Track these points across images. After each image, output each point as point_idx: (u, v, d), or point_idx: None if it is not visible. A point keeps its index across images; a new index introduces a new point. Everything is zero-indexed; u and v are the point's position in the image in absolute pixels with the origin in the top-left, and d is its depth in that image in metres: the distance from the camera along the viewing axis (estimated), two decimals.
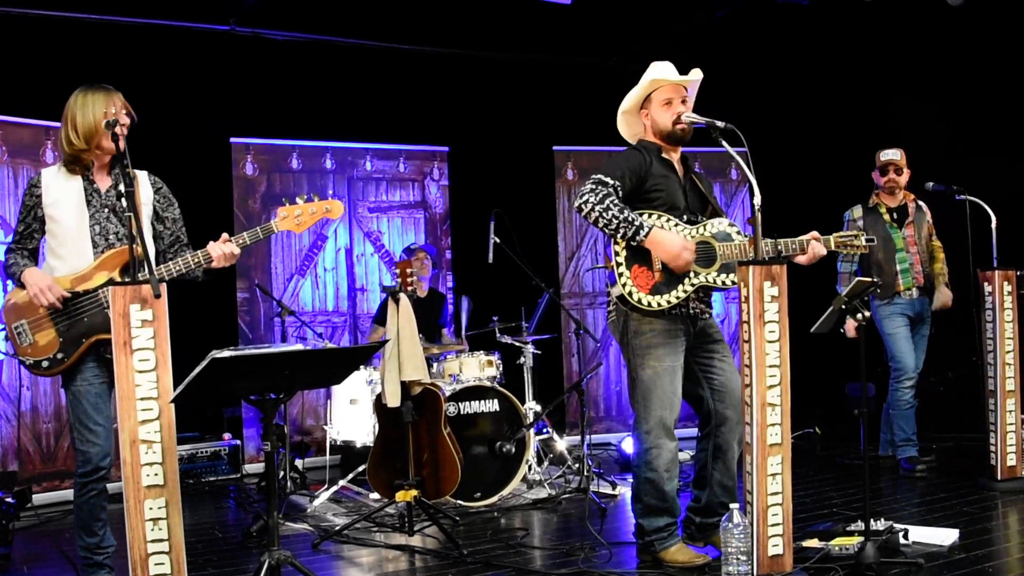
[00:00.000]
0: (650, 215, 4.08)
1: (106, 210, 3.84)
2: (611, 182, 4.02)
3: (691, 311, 4.17)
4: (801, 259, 4.16)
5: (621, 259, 4.06)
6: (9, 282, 3.94)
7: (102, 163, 3.88)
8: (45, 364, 3.76)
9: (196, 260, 3.80)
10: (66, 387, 3.81)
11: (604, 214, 3.95)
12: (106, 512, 3.82)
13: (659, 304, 4.06)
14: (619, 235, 3.99)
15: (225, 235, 3.87)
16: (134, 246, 3.48)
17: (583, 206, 3.99)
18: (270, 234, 3.95)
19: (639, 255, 4.06)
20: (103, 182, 3.88)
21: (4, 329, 3.83)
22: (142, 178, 4.00)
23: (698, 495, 4.35)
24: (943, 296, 6.05)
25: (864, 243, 4.20)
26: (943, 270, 6.10)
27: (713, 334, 4.30)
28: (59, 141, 3.86)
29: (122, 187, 3.55)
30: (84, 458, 3.71)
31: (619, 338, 4.24)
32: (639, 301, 4.05)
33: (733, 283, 4.08)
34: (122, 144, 3.69)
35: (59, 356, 3.75)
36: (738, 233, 4.15)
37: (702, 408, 4.30)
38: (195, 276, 3.89)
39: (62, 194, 3.81)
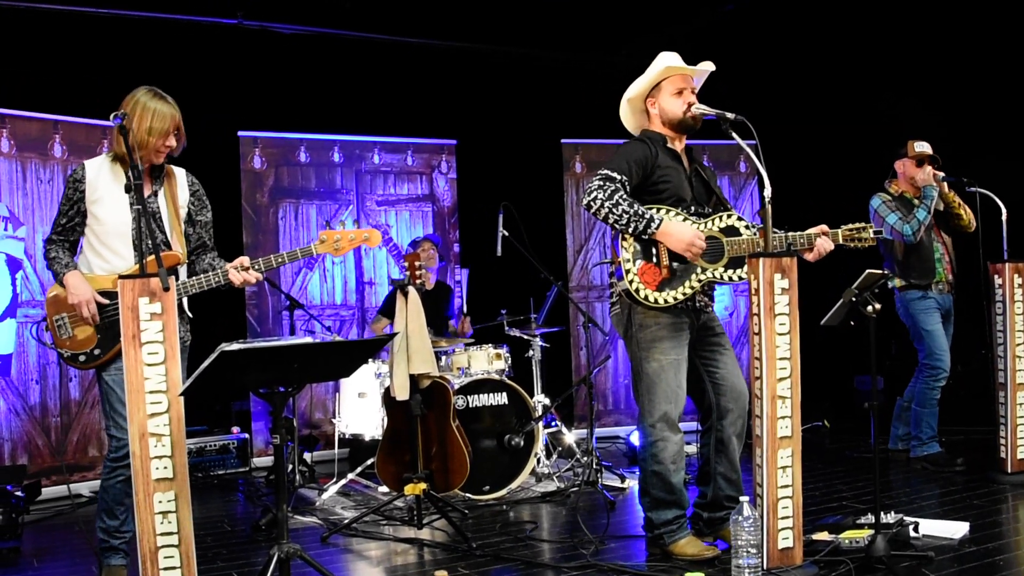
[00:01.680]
0: (658, 210, 4.06)
1: (146, 217, 3.84)
2: (618, 177, 4.00)
3: (696, 304, 4.16)
4: (808, 256, 4.11)
5: (629, 255, 4.05)
6: (48, 273, 4.01)
7: (145, 169, 3.89)
8: (82, 358, 3.85)
9: (217, 280, 3.87)
10: (99, 376, 3.90)
11: (614, 210, 3.94)
12: (130, 499, 3.83)
13: (666, 301, 4.04)
14: (629, 230, 3.97)
15: (246, 260, 3.90)
16: (144, 239, 3.51)
17: (592, 203, 3.97)
18: (295, 259, 3.99)
19: (647, 252, 4.05)
20: (146, 187, 3.91)
21: (45, 319, 3.93)
22: (180, 177, 4.07)
23: (704, 491, 4.34)
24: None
25: (872, 235, 4.16)
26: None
27: (715, 327, 4.29)
28: (112, 136, 3.89)
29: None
30: (118, 444, 3.79)
31: (623, 332, 4.22)
32: (645, 298, 4.03)
33: (740, 278, 4.06)
34: (131, 139, 3.70)
35: (95, 352, 3.85)
36: (746, 227, 4.13)
37: (703, 402, 4.29)
38: (215, 286, 3.96)
39: (107, 194, 3.85)
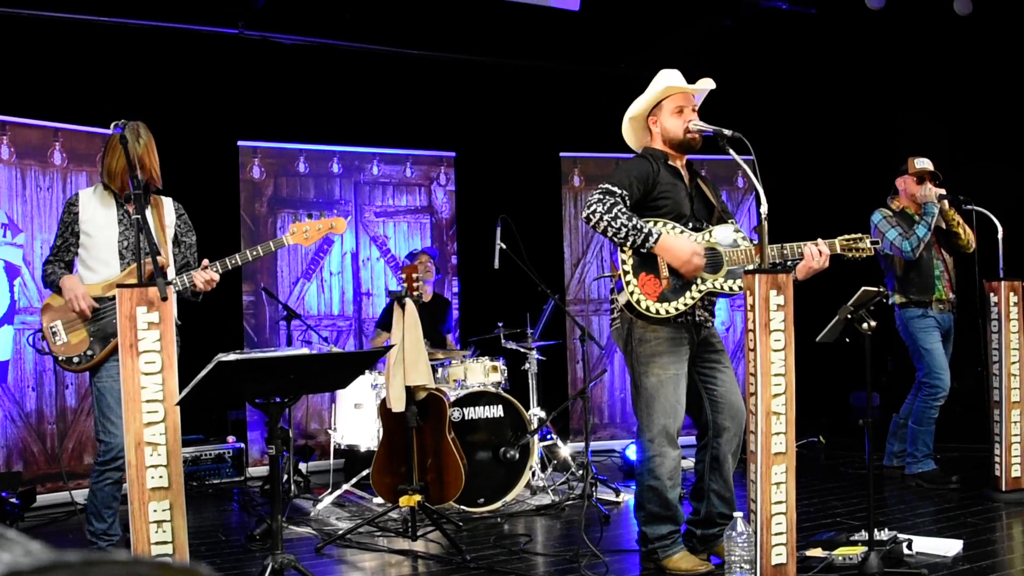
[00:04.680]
0: (656, 223, 4.07)
1: (134, 229, 4.14)
2: (618, 191, 4.00)
3: (696, 319, 4.16)
4: (798, 274, 4.00)
5: (628, 267, 4.05)
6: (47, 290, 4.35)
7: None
8: (76, 360, 4.10)
9: (182, 282, 4.08)
10: (92, 383, 4.16)
11: (612, 223, 3.94)
12: (118, 502, 4.07)
13: (667, 312, 4.05)
14: (628, 243, 3.98)
15: (206, 261, 4.17)
16: (142, 250, 3.61)
17: (591, 216, 3.98)
18: (258, 257, 4.23)
19: (646, 263, 4.05)
20: (131, 207, 4.22)
21: (40, 329, 4.19)
22: (167, 203, 4.41)
23: (697, 507, 4.34)
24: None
25: (869, 245, 4.15)
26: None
27: (715, 344, 4.28)
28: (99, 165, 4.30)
29: (140, 211, 3.81)
30: (106, 447, 4.00)
31: (623, 346, 4.22)
32: (647, 309, 4.03)
33: (740, 289, 4.06)
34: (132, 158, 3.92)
35: (89, 353, 4.10)
36: (743, 239, 4.14)
37: (700, 419, 4.29)
38: (188, 296, 4.20)
39: (97, 213, 4.22)
